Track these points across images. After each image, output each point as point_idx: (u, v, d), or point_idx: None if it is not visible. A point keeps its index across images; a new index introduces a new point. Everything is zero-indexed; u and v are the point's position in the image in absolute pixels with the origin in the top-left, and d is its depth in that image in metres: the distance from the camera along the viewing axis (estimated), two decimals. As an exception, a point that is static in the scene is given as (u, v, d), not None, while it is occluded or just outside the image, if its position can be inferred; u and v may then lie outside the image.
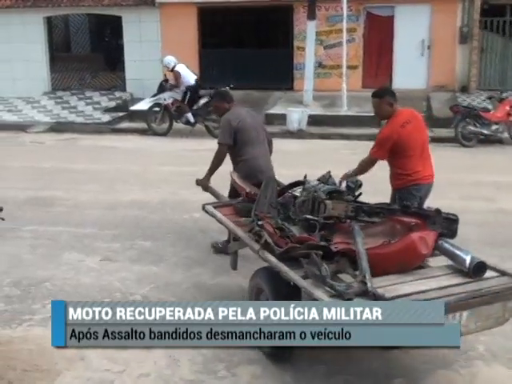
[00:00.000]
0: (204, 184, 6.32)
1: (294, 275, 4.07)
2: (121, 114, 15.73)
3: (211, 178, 6.25)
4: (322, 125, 13.76)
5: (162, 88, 13.73)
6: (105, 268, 6.21)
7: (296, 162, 10.64)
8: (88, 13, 19.23)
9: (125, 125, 14.94)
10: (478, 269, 4.03)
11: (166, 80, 13.75)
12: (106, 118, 15.58)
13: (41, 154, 11.78)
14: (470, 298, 3.78)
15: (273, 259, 4.33)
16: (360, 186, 4.89)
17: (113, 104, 16.82)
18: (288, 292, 4.16)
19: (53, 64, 18.56)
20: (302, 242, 4.28)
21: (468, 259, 4.06)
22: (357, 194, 4.85)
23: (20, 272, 6.11)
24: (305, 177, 5.23)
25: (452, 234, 4.33)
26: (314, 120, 13.82)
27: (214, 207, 5.59)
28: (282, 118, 13.77)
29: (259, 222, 4.64)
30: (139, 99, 16.31)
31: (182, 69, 13.54)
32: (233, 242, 5.39)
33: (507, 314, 3.92)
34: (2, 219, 4.84)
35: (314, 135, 13.41)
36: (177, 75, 13.45)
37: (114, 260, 6.43)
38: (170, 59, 13.71)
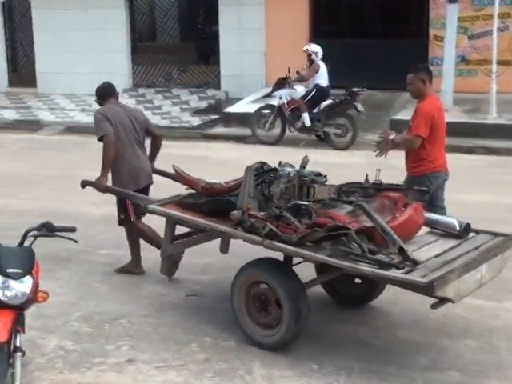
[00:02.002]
0: (101, 184, 6.84)
1: (322, 257, 5.00)
2: (214, 116, 16.08)
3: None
4: (463, 135, 13.38)
5: (279, 86, 13.69)
6: (192, 305, 6.32)
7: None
8: (178, -5, 19.90)
9: (218, 130, 15.23)
10: (466, 229, 5.59)
11: (285, 78, 13.74)
12: (196, 121, 15.97)
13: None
14: (485, 253, 5.24)
15: (288, 247, 5.14)
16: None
17: (204, 104, 17.24)
18: (294, 277, 5.32)
19: (135, 56, 19.29)
20: (319, 225, 5.07)
21: (456, 222, 5.62)
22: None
23: (92, 305, 6.34)
24: (279, 163, 6.12)
25: (426, 203, 5.86)
26: (452, 129, 13.19)
27: (160, 205, 6.22)
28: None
29: (250, 214, 5.38)
30: (236, 99, 16.59)
31: (322, 65, 13.56)
32: (168, 244, 6.22)
33: (503, 264, 5.44)
34: (75, 241, 5.03)
35: (452, 148, 13.00)
36: (316, 69, 13.46)
37: (202, 296, 6.53)
38: (319, 48, 13.70)
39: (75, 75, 18.96)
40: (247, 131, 14.07)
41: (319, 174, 6.01)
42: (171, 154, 13.17)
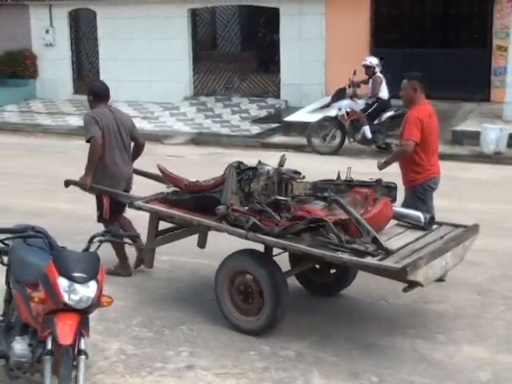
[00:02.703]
0: (85, 183, 7.08)
1: (303, 247, 5.41)
2: (273, 125, 16.12)
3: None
4: (528, 148, 13.17)
5: (339, 97, 13.73)
6: (251, 314, 6.31)
7: (489, 194, 10.26)
8: (239, 4, 19.98)
9: (278, 139, 15.27)
10: (430, 222, 6.11)
11: (344, 88, 13.71)
12: (256, 129, 16.04)
13: (180, 170, 12.20)
14: (449, 241, 5.75)
15: (271, 238, 5.56)
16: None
17: (264, 113, 17.31)
18: (275, 267, 5.75)
19: (196, 64, 19.47)
20: (299, 218, 5.52)
21: (421, 215, 6.13)
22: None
23: (152, 310, 6.40)
24: (259, 162, 6.46)
25: (393, 199, 6.29)
26: (517, 140, 13.26)
27: (146, 202, 6.54)
28: (473, 137, 13.38)
29: (234, 209, 5.78)
30: (296, 108, 16.60)
31: (382, 77, 13.49)
32: (152, 239, 6.42)
33: (465, 252, 5.96)
34: (141, 248, 5.08)
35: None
36: (378, 82, 13.42)
37: (261, 304, 6.52)
38: (378, 60, 13.67)
39: (137, 83, 19.26)
40: (306, 141, 14.06)
41: (296, 172, 6.37)
42: (228, 162, 13.24)
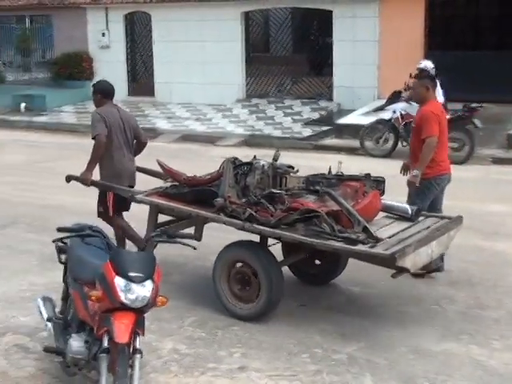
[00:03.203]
0: (86, 178, 7.36)
1: (298, 236, 5.74)
2: (325, 127, 16.04)
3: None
4: None
5: (394, 99, 13.58)
6: (302, 315, 6.30)
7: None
8: (292, 6, 19.97)
9: (330, 141, 15.19)
10: (417, 213, 6.42)
11: (400, 91, 13.58)
12: (308, 132, 15.98)
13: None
14: (435, 231, 6.13)
15: (267, 228, 5.89)
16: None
17: (316, 115, 17.23)
18: (271, 257, 6.04)
19: (249, 66, 19.50)
20: (293, 209, 5.84)
21: (408, 207, 6.47)
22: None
23: (205, 311, 6.42)
24: (254, 157, 6.72)
25: (382, 192, 6.58)
26: None
27: (146, 196, 6.86)
28: (530, 142, 13.12)
29: (231, 201, 6.07)
30: (348, 111, 16.51)
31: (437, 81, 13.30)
32: (151, 231, 6.24)
33: (449, 242, 6.33)
34: (194, 248, 5.11)
35: None
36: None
37: (313, 307, 6.51)
38: (432, 65, 13.52)
39: (191, 85, 19.40)
40: (359, 143, 13.97)
41: (290, 167, 6.65)
42: (281, 164, 13.28)
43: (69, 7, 21.07)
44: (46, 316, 5.22)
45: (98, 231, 4.95)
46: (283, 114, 17.71)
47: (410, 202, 6.93)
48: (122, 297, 4.37)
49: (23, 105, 19.78)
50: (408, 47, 16.40)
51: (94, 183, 7.49)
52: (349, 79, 17.48)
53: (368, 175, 6.65)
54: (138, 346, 4.43)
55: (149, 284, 4.45)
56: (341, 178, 6.61)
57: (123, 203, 7.46)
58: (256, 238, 6.37)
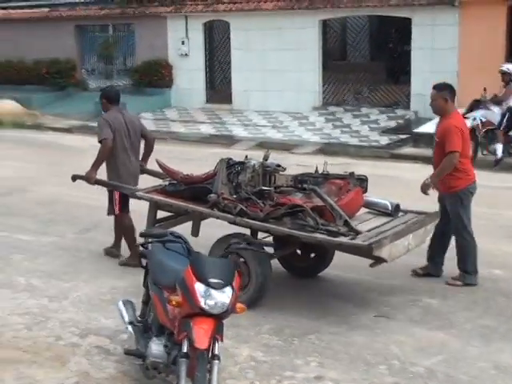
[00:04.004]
0: (90, 177, 7.82)
1: (284, 229, 6.25)
2: (403, 136, 15.83)
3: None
4: None
5: (473, 108, 13.36)
6: (380, 327, 6.22)
7: None
8: (370, 14, 19.82)
9: (407, 150, 14.96)
10: (397, 209, 6.95)
11: (479, 100, 13.32)
12: (385, 140, 15.81)
13: (307, 179, 12.31)
14: (412, 225, 6.64)
15: (256, 222, 6.40)
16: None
17: (393, 124, 17.02)
18: (264, 254, 6.18)
19: (326, 74, 19.41)
20: (282, 204, 6.34)
21: (388, 203, 6.96)
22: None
23: (282, 318, 6.41)
24: (246, 157, 7.16)
25: (364, 189, 7.07)
26: None
27: (146, 193, 7.36)
28: None
29: (224, 197, 6.56)
30: (426, 119, 16.22)
31: None
32: (150, 226, 7.07)
33: (426, 235, 6.87)
34: (274, 256, 5.10)
35: None
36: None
37: (391, 317, 6.42)
38: None
39: (267, 93, 19.45)
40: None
41: (279, 166, 7.03)
42: (360, 172, 13.15)
43: (150, 16, 21.44)
44: (127, 319, 5.31)
45: (179, 237, 5.00)
46: (360, 122, 17.57)
47: (453, 215, 7.02)
48: (202, 302, 4.40)
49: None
50: (488, 54, 16.02)
51: (97, 181, 7.95)
52: (427, 87, 17.00)
53: (352, 174, 7.10)
54: (216, 351, 4.46)
55: (228, 290, 4.47)
56: (327, 177, 7.08)
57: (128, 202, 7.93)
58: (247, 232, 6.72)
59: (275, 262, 7.00)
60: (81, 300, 6.81)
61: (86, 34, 23.81)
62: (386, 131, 16.49)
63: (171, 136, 17.46)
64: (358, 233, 6.20)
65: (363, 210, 7.02)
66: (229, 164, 6.93)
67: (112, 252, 8.13)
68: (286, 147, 15.79)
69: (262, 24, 19.53)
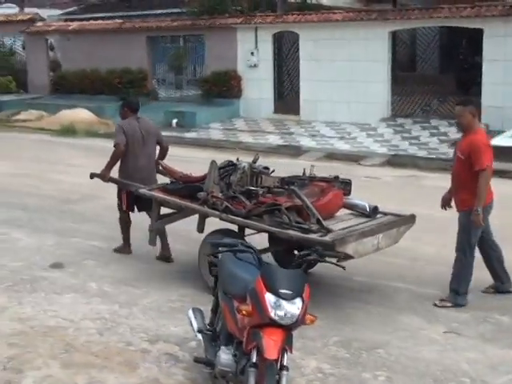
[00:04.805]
0: (104, 176, 8.58)
1: (263, 225, 6.82)
2: (473, 148, 15.51)
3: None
4: None
5: None
6: (450, 343, 6.11)
7: None
8: (441, 26, 19.56)
9: (477, 163, 14.66)
10: (374, 211, 7.27)
11: None
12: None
13: (374, 191, 12.16)
14: (382, 225, 6.95)
15: (238, 218, 6.94)
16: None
17: (463, 136, 16.72)
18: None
19: (394, 86, 19.23)
20: (262, 203, 6.88)
21: (367, 205, 7.30)
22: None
23: (349, 330, 6.36)
24: (237, 159, 7.69)
25: (348, 192, 7.49)
26: None
27: (149, 190, 7.98)
28: None
29: (213, 195, 7.14)
30: (497, 132, 15.90)
31: None
32: (155, 221, 7.99)
33: (399, 236, 7.15)
34: (343, 268, 5.07)
35: None
36: None
37: (461, 334, 6.30)
38: None
39: (336, 104, 19.39)
40: (509, 166, 13.41)
41: (266, 168, 7.59)
42: (424, 186, 13.05)
43: (220, 27, 21.65)
44: (196, 327, 5.35)
45: (250, 247, 5.01)
46: (429, 134, 17.34)
47: (463, 230, 6.87)
48: (272, 313, 4.39)
49: (175, 121, 20.48)
50: None
51: (111, 179, 8.68)
52: (498, 99, 16.86)
53: (336, 177, 7.60)
54: (285, 362, 4.44)
55: (298, 302, 4.45)
56: (312, 180, 7.53)
57: (138, 203, 8.52)
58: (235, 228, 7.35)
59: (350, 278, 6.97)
60: (151, 307, 6.89)
61: (157, 44, 24.19)
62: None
63: (239, 146, 17.56)
64: (328, 231, 6.54)
65: (345, 211, 7.38)
66: (222, 165, 7.53)
67: (122, 249, 8.72)
68: (354, 158, 15.71)
69: (331, 35, 19.50)
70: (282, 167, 14.60)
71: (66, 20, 29.75)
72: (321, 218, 6.63)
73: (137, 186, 8.31)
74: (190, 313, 5.54)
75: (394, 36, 19.56)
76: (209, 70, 21.95)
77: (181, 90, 23.86)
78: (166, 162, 8.68)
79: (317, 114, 19.76)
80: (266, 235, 7.47)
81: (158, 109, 21.23)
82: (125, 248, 8.69)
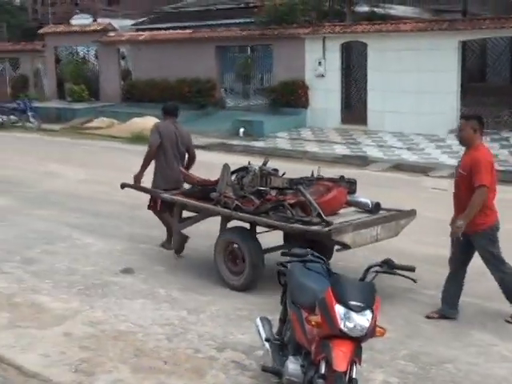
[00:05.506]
0: (138, 179, 9.12)
1: (269, 220, 7.31)
2: (544, 161, 15.16)
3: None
4: None
5: None
6: (520, 359, 5.94)
7: None
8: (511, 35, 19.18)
9: (549, 176, 14.30)
10: (376, 207, 7.68)
11: None
12: (525, 165, 15.19)
13: (441, 203, 11.90)
14: (380, 218, 7.51)
15: (247, 215, 7.47)
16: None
17: (532, 148, 16.35)
18: (255, 240, 7.68)
19: (463, 97, 18.92)
20: (268, 200, 7.42)
21: (369, 201, 7.69)
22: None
23: (418, 344, 6.26)
24: (249, 163, 8.26)
25: (353, 191, 7.92)
26: None
27: (172, 195, 8.53)
28: None
29: (224, 195, 7.73)
30: None
31: None
32: (177, 223, 8.54)
33: (399, 228, 7.65)
34: (414, 281, 4.99)
35: None
36: None
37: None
38: None
39: (403, 114, 19.20)
40: None
41: (275, 170, 8.14)
42: (501, 199, 12.67)
43: (289, 37, 21.71)
44: (264, 336, 5.35)
45: (320, 257, 4.99)
46: (499, 145, 17.00)
47: (484, 254, 6.70)
48: (342, 324, 4.37)
49: (242, 130, 20.60)
50: None
51: (137, 188, 9.21)
52: None
53: (342, 177, 8.07)
54: (354, 375, 4.41)
55: (368, 314, 4.42)
56: (319, 180, 7.98)
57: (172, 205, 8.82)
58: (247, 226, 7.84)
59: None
60: (218, 314, 6.93)
61: (225, 54, 24.41)
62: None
63: (306, 156, 17.53)
64: (328, 223, 6.97)
65: (350, 209, 7.76)
66: (235, 169, 8.09)
67: (165, 245, 9.20)
68: (422, 170, 15.51)
69: (399, 45, 19.35)
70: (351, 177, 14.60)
71: (137, 30, 30.35)
72: (321, 212, 7.04)
73: (157, 192, 8.85)
74: (258, 321, 5.55)
75: (464, 46, 19.26)
76: (276, 80, 22.03)
77: (248, 99, 23.99)
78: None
79: (384, 124, 19.60)
80: (281, 236, 8.11)
81: (226, 118, 21.42)
82: (168, 244, 9.16)
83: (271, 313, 5.98)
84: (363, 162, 16.74)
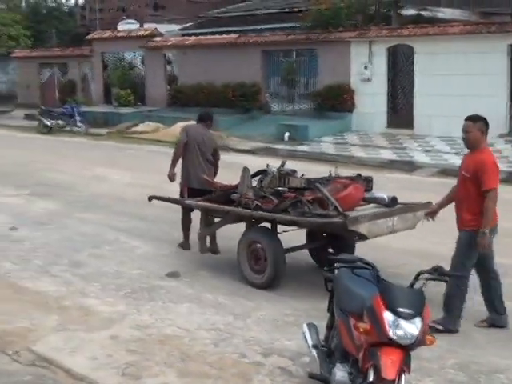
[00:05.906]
0: (170, 174, 9.56)
1: (288, 216, 7.58)
2: None
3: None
4: None
5: None
6: None
7: None
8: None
9: None
10: (393, 201, 7.82)
11: None
12: None
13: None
14: (397, 209, 7.74)
15: (268, 214, 7.72)
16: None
17: None
18: (276, 239, 7.92)
19: (512, 101, 18.61)
20: (286, 198, 7.73)
21: (385, 196, 7.87)
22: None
23: (468, 353, 6.14)
24: (267, 166, 8.52)
25: (370, 188, 8.21)
26: None
27: (197, 201, 8.74)
28: None
29: (245, 196, 8.05)
30: None
31: None
32: (203, 228, 8.62)
33: (416, 220, 7.80)
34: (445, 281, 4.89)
35: None
36: None
37: None
38: None
39: (451, 118, 18.84)
40: None
41: (293, 171, 8.38)
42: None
43: (334, 41, 21.64)
44: (311, 342, 5.31)
45: (369, 263, 4.93)
46: (550, 150, 16.68)
47: (460, 251, 6.54)
48: (390, 332, 4.31)
49: (287, 134, 20.58)
50: None
51: (162, 199, 9.56)
52: None
53: (359, 175, 8.30)
54: (402, 383, 4.34)
55: (418, 321, 4.35)
56: (336, 178, 8.23)
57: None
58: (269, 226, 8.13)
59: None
60: (264, 319, 6.91)
61: (270, 58, 24.44)
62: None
63: (351, 160, 17.43)
64: (345, 216, 7.16)
65: (369, 206, 7.89)
66: (254, 172, 8.46)
67: (184, 245, 9.52)
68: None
69: (447, 48, 19.14)
70: (394, 183, 14.50)
71: (183, 35, 30.56)
72: (338, 205, 7.27)
73: (177, 199, 9.36)
74: (305, 328, 5.51)
75: (513, 49, 18.98)
76: (321, 84, 21.97)
77: (292, 103, 23.97)
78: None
79: (431, 128, 19.39)
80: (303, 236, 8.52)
81: (271, 122, 21.43)
82: (186, 244, 9.51)
83: (318, 319, 5.93)
84: (410, 167, 16.57)
